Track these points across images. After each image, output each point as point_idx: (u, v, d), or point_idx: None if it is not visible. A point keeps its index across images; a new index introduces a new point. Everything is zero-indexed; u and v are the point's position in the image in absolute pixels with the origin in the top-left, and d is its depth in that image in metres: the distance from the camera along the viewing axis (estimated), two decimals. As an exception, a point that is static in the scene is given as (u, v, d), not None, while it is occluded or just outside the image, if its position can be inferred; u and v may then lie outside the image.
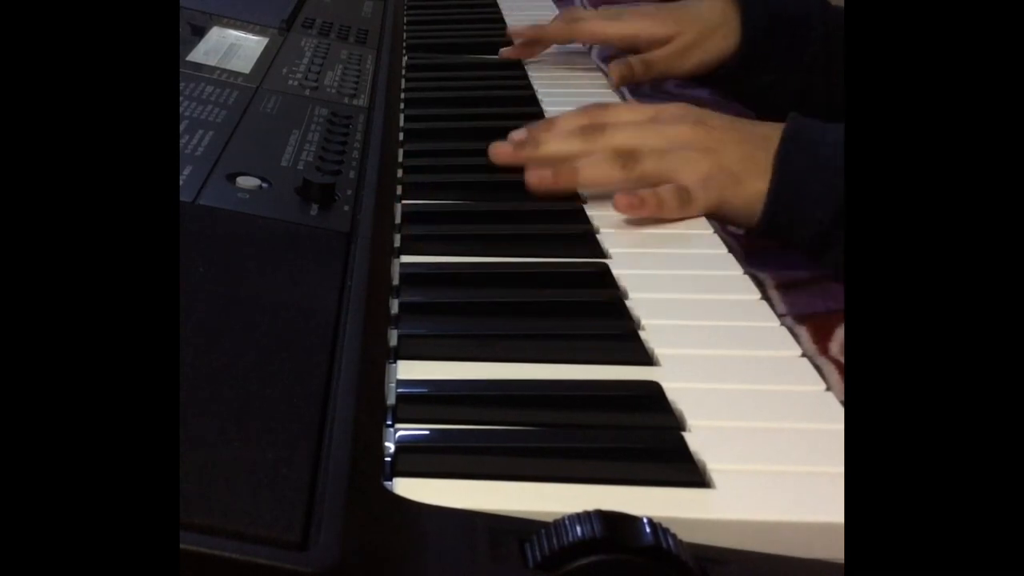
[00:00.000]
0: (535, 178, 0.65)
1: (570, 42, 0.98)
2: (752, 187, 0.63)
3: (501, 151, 0.68)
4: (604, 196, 0.66)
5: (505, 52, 0.97)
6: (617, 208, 0.62)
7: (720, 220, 0.64)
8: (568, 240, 0.61)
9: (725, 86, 0.91)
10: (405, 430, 0.42)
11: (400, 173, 0.69)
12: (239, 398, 0.37)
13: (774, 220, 0.62)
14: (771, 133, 0.64)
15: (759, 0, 0.89)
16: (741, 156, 0.64)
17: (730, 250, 0.60)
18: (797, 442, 0.42)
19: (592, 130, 0.67)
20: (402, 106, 0.82)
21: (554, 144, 0.67)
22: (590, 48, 1.01)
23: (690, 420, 0.43)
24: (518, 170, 0.69)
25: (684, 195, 0.63)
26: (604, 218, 0.63)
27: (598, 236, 0.61)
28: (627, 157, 0.64)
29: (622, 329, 0.50)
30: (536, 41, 0.97)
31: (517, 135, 0.69)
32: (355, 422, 0.38)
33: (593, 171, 0.65)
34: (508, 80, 0.92)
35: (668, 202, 0.62)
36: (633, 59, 0.89)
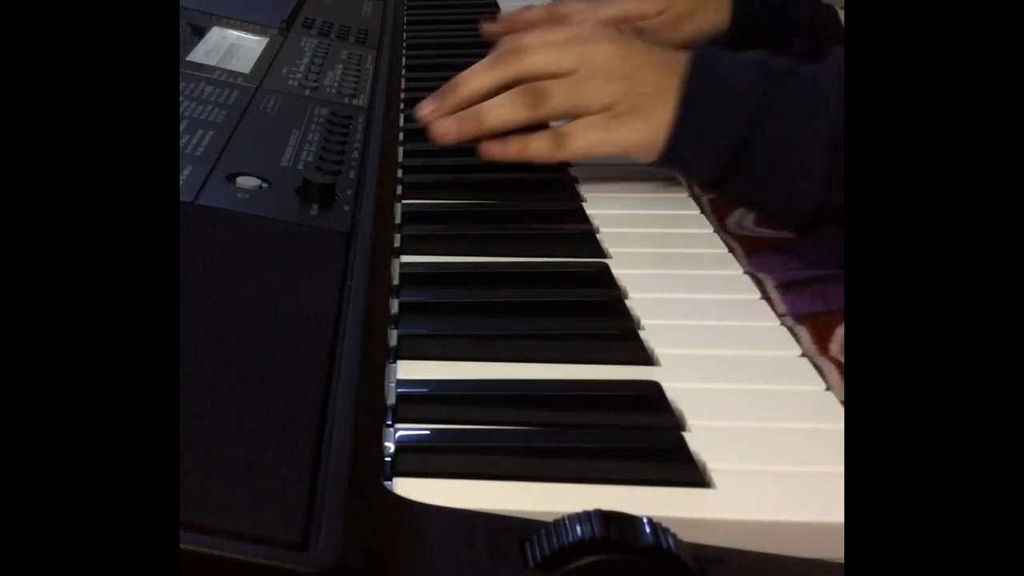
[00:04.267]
0: (438, 131, 0.62)
1: None
2: (656, 118, 0.61)
3: (424, 108, 0.66)
4: (605, 197, 0.66)
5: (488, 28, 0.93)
6: (484, 153, 0.61)
7: (620, 156, 0.63)
8: (568, 240, 0.61)
9: None
10: (405, 430, 0.42)
11: (400, 173, 0.69)
12: (239, 398, 0.37)
13: (679, 146, 0.61)
14: (679, 57, 0.63)
15: None
16: (653, 82, 0.62)
17: (730, 250, 0.60)
18: (797, 442, 0.42)
19: (508, 55, 0.64)
20: (402, 106, 0.82)
21: (472, 82, 0.65)
22: None
23: (690, 420, 0.43)
24: (518, 169, 0.69)
25: (559, 139, 0.62)
26: (604, 218, 0.63)
27: (598, 236, 0.61)
28: (535, 95, 0.62)
29: (622, 329, 0.50)
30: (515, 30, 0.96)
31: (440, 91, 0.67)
32: (355, 422, 0.38)
33: (498, 112, 0.62)
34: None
35: (536, 144, 0.61)
36: (623, 27, 0.88)
